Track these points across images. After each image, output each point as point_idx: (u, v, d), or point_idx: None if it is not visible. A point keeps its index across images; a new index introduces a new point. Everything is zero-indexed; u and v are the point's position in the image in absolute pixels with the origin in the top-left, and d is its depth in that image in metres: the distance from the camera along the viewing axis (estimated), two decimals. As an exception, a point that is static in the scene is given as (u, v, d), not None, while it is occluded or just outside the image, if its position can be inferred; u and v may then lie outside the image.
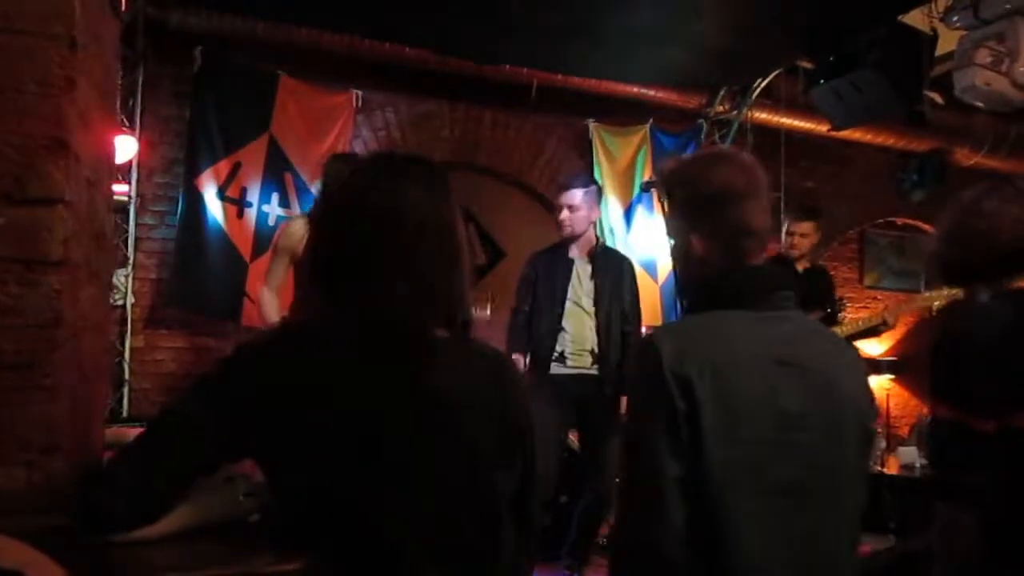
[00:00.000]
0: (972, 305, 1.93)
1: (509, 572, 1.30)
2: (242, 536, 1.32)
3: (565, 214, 4.08)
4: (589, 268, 4.14)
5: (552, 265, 4.17)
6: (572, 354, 4.02)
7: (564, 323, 4.04)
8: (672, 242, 1.63)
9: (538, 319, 4.08)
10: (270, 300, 3.64)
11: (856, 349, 1.63)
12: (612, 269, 4.16)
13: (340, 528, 1.17)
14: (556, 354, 4.00)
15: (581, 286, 4.11)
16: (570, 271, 4.12)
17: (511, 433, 1.31)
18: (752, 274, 1.51)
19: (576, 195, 4.07)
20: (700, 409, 1.34)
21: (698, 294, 1.56)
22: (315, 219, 1.37)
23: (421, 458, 1.21)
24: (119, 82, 4.48)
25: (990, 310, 1.83)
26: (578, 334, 4.03)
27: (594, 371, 4.01)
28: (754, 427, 1.37)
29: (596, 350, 4.00)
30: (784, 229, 4.67)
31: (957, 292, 4.51)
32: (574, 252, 4.17)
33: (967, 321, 1.89)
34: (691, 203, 1.55)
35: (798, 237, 4.61)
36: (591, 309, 4.06)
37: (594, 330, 4.02)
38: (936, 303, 4.09)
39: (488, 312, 4.00)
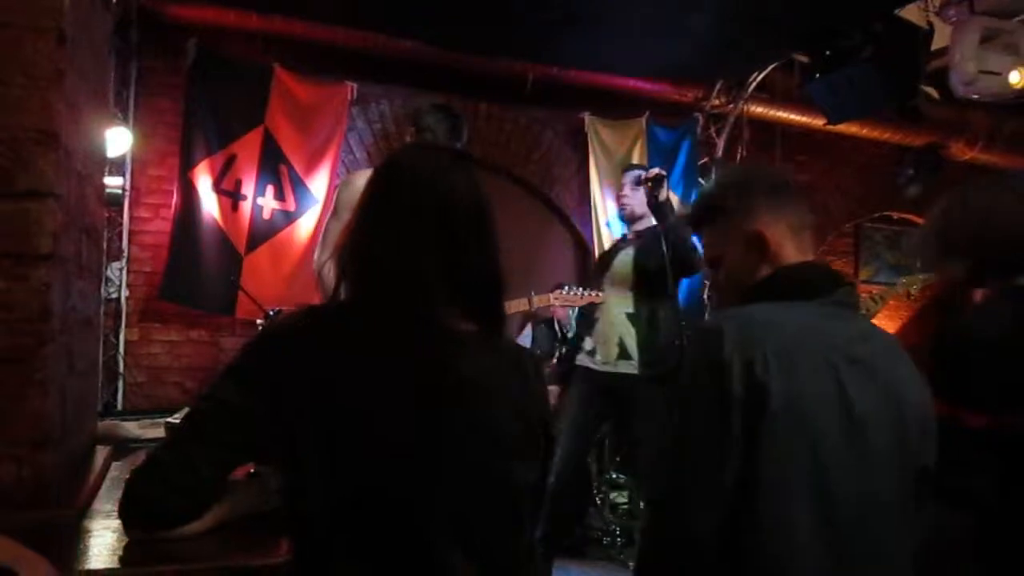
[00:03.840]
0: (972, 302, 1.92)
1: (527, 561, 1.31)
2: (246, 530, 1.31)
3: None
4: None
5: None
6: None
7: None
8: (716, 263, 1.58)
9: None
10: (330, 269, 3.27)
11: (907, 355, 1.58)
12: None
13: (366, 517, 1.16)
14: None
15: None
16: None
17: (534, 427, 1.31)
18: (816, 266, 1.49)
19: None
20: (765, 396, 1.26)
21: (759, 289, 1.48)
22: (366, 200, 1.31)
23: (448, 449, 1.19)
24: (112, 75, 4.47)
25: (990, 308, 1.82)
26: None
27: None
28: (819, 424, 1.29)
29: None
30: None
31: (931, 278, 4.51)
32: None
33: (966, 318, 1.88)
34: (749, 201, 1.52)
35: None
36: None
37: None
38: (913, 288, 4.06)
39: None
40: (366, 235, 1.29)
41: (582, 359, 3.78)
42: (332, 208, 3.29)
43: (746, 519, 1.27)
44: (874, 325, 1.54)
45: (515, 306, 3.71)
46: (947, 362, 1.76)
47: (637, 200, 3.81)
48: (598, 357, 3.74)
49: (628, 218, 3.90)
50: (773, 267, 1.48)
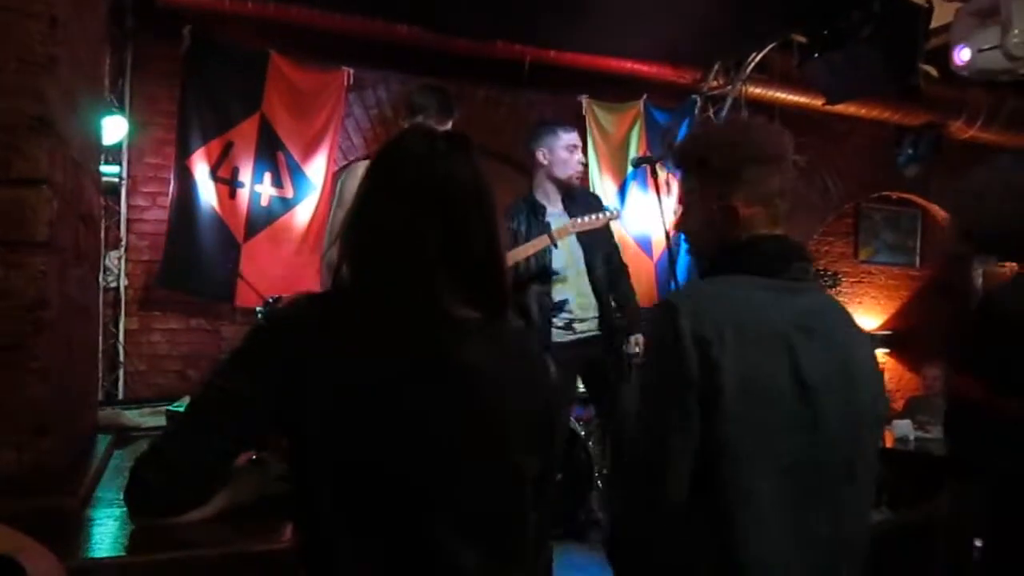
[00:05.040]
0: (1004, 282, 1.90)
1: (533, 549, 1.30)
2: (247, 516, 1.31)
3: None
4: None
5: None
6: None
7: None
8: (687, 210, 1.60)
9: None
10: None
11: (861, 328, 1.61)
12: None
13: (368, 504, 1.16)
14: None
15: None
16: None
17: (538, 415, 1.30)
18: (779, 241, 1.50)
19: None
20: (718, 373, 1.32)
21: (721, 259, 1.52)
22: (366, 187, 1.30)
23: (447, 435, 1.19)
24: (107, 62, 4.45)
25: (1017, 286, 1.81)
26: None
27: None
28: (772, 395, 1.35)
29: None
30: None
31: None
32: None
33: (997, 297, 1.87)
34: (731, 167, 1.52)
35: None
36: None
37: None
38: None
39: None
40: (367, 220, 1.28)
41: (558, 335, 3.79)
42: (336, 198, 3.28)
43: (712, 487, 1.34)
44: (830, 298, 1.59)
45: (538, 244, 3.68)
46: (976, 341, 1.76)
47: None
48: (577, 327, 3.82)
49: None
50: (739, 237, 1.51)
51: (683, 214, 1.63)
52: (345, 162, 5.50)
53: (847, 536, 1.41)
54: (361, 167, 3.17)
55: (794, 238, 1.54)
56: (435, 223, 1.23)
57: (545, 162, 3.88)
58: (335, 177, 5.07)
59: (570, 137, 3.90)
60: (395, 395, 1.16)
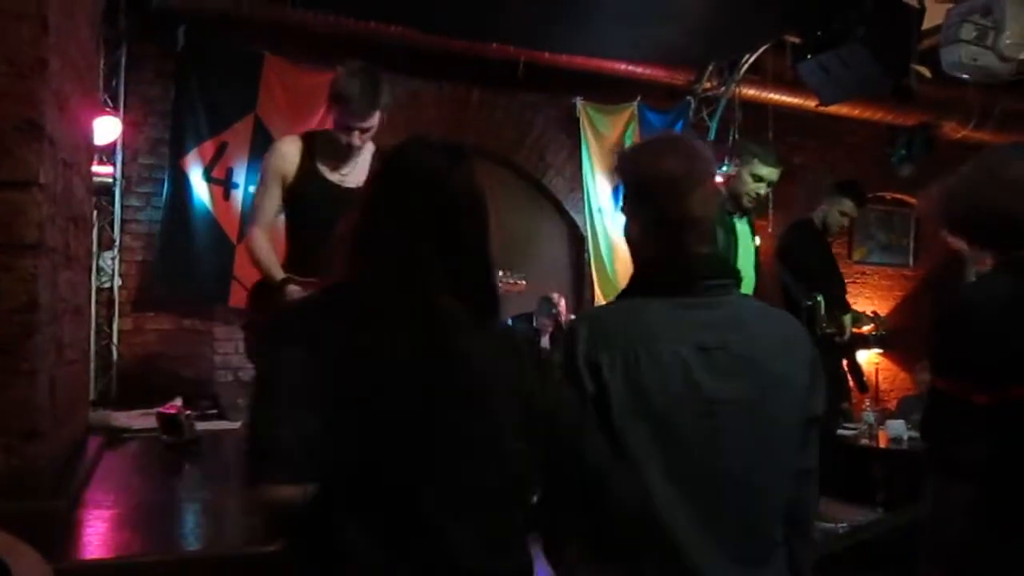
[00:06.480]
0: (975, 277, 1.92)
1: (525, 531, 1.38)
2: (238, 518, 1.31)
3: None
4: None
5: None
6: None
7: None
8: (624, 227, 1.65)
9: None
10: (263, 242, 2.95)
11: (804, 336, 1.63)
12: None
13: (365, 487, 1.21)
14: None
15: None
16: None
17: (529, 404, 1.36)
18: (677, 262, 1.52)
19: None
20: (608, 396, 1.40)
21: (630, 281, 1.59)
22: (373, 190, 1.40)
23: (442, 420, 1.26)
24: (101, 62, 4.44)
25: (992, 282, 1.82)
26: None
27: None
28: (662, 413, 1.41)
29: None
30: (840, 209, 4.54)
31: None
32: None
33: (969, 292, 1.89)
34: (632, 191, 1.58)
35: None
36: None
37: None
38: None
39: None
40: (370, 224, 1.36)
41: None
42: (260, 178, 3.06)
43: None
44: (761, 310, 1.60)
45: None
46: (950, 336, 1.77)
47: None
48: None
49: None
50: (650, 256, 1.55)
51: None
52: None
53: (753, 548, 1.46)
54: (285, 144, 3.03)
55: (709, 256, 1.56)
56: (430, 226, 1.32)
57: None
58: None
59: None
60: (391, 379, 1.23)
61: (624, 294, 1.58)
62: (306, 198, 2.92)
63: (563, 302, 5.74)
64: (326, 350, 1.23)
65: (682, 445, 1.41)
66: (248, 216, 3.16)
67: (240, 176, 5.27)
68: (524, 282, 3.63)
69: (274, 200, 2.95)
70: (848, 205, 4.50)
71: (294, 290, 2.71)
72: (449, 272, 1.32)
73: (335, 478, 1.19)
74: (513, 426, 1.33)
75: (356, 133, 2.85)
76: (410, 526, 1.23)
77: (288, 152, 2.96)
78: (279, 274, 2.79)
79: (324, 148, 2.96)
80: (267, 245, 2.92)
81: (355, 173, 2.95)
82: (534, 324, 5.75)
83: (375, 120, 2.86)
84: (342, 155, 2.93)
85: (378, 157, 2.68)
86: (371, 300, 1.28)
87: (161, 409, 2.43)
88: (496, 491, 1.31)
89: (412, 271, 1.30)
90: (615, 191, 6.34)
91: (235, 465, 1.40)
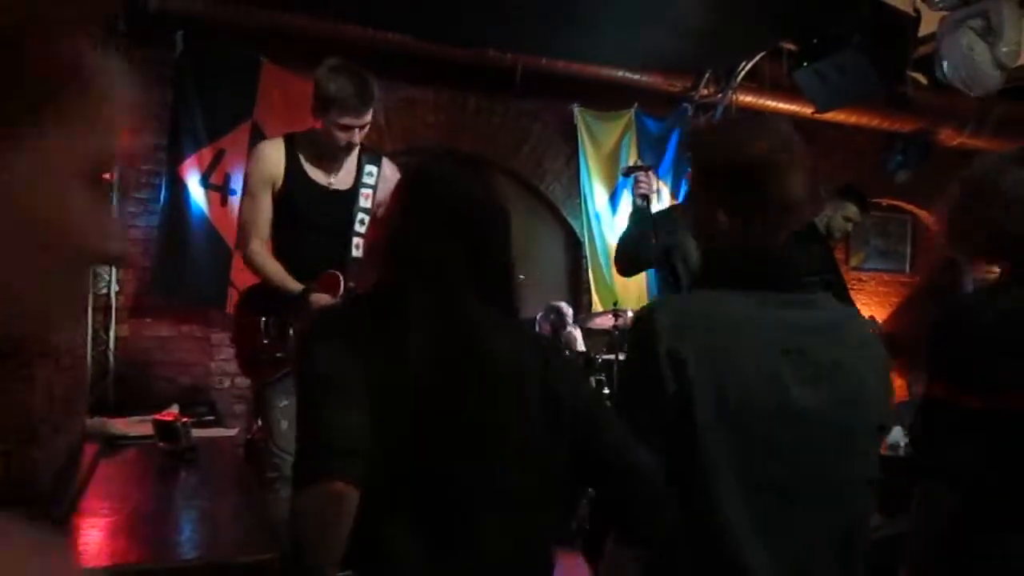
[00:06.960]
0: (974, 287, 1.93)
1: (559, 525, 1.45)
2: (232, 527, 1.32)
3: None
4: None
5: None
6: None
7: None
8: (692, 213, 1.55)
9: None
10: (267, 257, 2.86)
11: (879, 341, 1.56)
12: None
13: (409, 492, 1.28)
14: None
15: None
16: None
17: (562, 401, 1.40)
18: (769, 254, 1.42)
19: None
20: (692, 394, 1.30)
21: (708, 270, 1.49)
22: (401, 204, 1.49)
23: (476, 418, 1.32)
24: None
25: (991, 291, 1.83)
26: None
27: None
28: (745, 418, 1.31)
29: None
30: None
31: None
32: None
33: (969, 299, 1.89)
34: (715, 169, 1.46)
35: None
36: None
37: None
38: None
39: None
40: (401, 234, 1.45)
41: None
42: (246, 187, 2.98)
43: (689, 494, 1.34)
44: (834, 311, 1.50)
45: None
46: (944, 342, 1.77)
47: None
48: None
49: None
50: (729, 247, 1.44)
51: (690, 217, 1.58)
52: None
53: (822, 565, 1.39)
54: (267, 147, 2.97)
55: (796, 250, 1.46)
56: (455, 235, 1.40)
57: None
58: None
59: None
60: (424, 379, 1.30)
61: (699, 285, 1.51)
62: (294, 201, 2.90)
63: (570, 313, 5.73)
64: (367, 352, 1.30)
65: (761, 453, 1.33)
66: (240, 230, 3.03)
67: (238, 182, 5.24)
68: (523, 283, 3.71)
69: (265, 210, 2.91)
70: (852, 210, 4.47)
71: (320, 297, 2.68)
72: (476, 276, 1.40)
73: (377, 477, 1.23)
74: (544, 424, 1.38)
75: (356, 131, 2.86)
76: (447, 525, 1.29)
77: (273, 155, 2.94)
78: (296, 285, 2.76)
79: (308, 150, 2.94)
80: (271, 259, 2.88)
81: (342, 176, 2.95)
82: (535, 328, 5.75)
83: (370, 115, 2.88)
84: (329, 157, 2.92)
85: (401, 172, 2.64)
86: (405, 305, 1.35)
87: (158, 416, 2.42)
88: (532, 491, 1.36)
89: (442, 277, 1.38)
90: (612, 197, 6.35)
91: (232, 472, 1.40)
